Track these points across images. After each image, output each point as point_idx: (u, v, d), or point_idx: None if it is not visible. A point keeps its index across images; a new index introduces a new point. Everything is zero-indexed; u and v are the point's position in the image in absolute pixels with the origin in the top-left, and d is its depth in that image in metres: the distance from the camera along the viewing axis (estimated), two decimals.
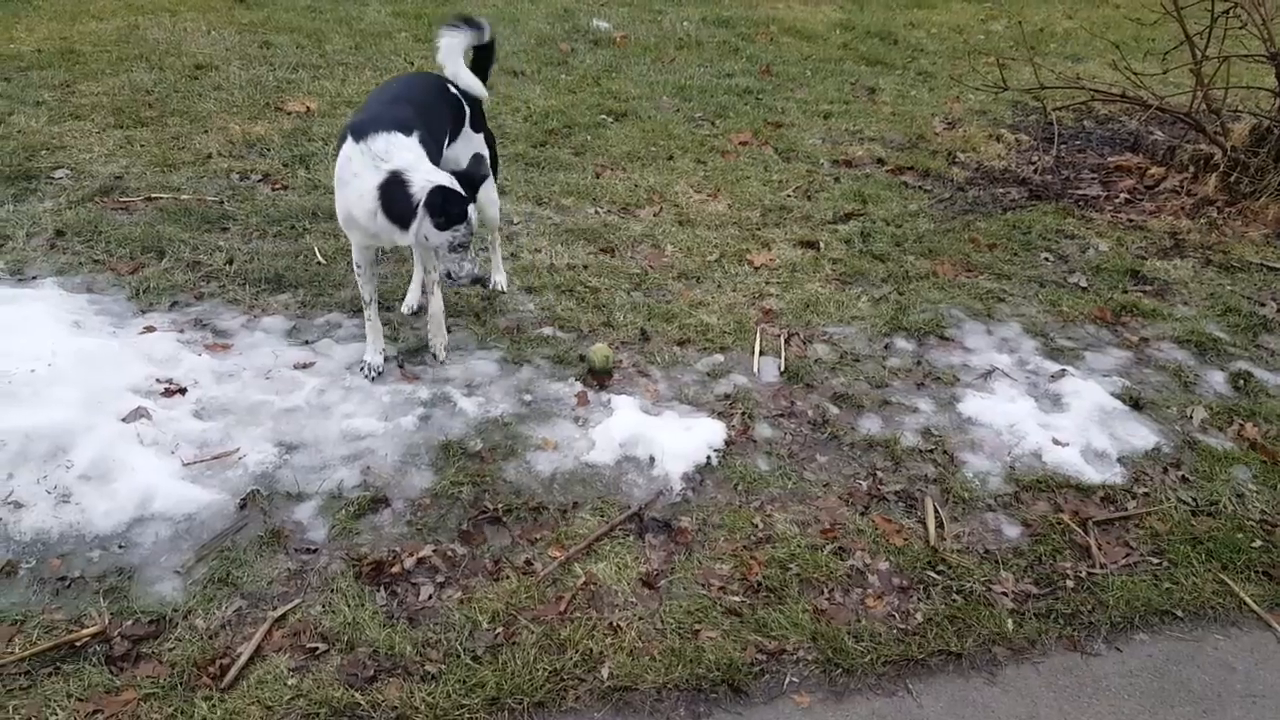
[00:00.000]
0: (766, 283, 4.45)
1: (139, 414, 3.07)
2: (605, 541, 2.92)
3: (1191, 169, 5.74)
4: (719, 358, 3.86)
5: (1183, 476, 3.39)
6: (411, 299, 4.03)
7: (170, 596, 2.58)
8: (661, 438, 3.31)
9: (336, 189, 3.30)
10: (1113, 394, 3.76)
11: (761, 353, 3.90)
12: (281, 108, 5.97)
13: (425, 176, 3.07)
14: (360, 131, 3.17)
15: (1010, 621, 2.76)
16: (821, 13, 9.77)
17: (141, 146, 5.26)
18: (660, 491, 3.14)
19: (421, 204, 3.04)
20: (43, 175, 4.82)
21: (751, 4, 9.94)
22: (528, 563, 2.82)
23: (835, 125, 6.58)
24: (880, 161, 6.00)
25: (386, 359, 3.63)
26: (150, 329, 3.63)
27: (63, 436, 2.90)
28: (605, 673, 2.49)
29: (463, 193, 3.11)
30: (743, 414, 3.52)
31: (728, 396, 3.62)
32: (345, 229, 3.41)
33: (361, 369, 3.56)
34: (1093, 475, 3.35)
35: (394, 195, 3.07)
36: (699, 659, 2.54)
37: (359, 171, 3.14)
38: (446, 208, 3.07)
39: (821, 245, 4.83)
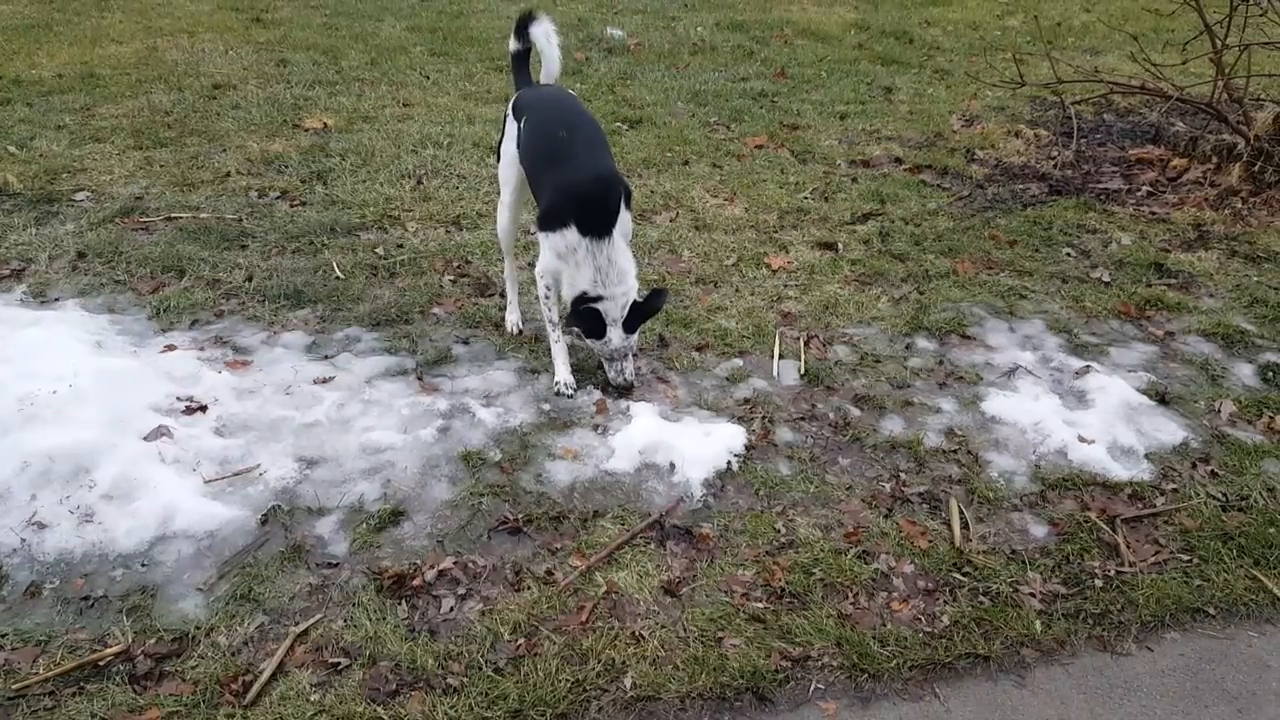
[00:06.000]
0: (785, 285, 4.42)
1: (160, 432, 3.10)
2: (626, 550, 2.90)
3: (1214, 160, 5.65)
4: (738, 362, 3.83)
5: (1212, 471, 3.32)
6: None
7: (193, 614, 2.59)
8: (681, 444, 3.28)
9: (553, 257, 3.47)
10: (1139, 389, 3.70)
11: (781, 356, 3.87)
12: (299, 125, 6.03)
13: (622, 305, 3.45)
14: (592, 229, 3.33)
15: (1038, 622, 2.71)
16: (836, 14, 9.74)
17: (161, 167, 5.33)
18: (681, 498, 3.12)
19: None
20: (64, 198, 4.89)
21: (765, 7, 9.93)
22: (549, 572, 2.80)
23: (852, 126, 6.54)
24: (898, 161, 5.95)
25: (405, 371, 3.65)
26: (171, 347, 3.66)
27: (85, 456, 2.92)
28: (628, 683, 2.47)
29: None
30: (763, 418, 3.49)
31: (747, 401, 3.60)
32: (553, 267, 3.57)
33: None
34: (1120, 472, 3.30)
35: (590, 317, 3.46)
36: (723, 667, 2.51)
37: (581, 263, 3.38)
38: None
39: (840, 246, 4.80)
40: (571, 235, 3.35)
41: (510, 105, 3.78)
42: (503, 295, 4.09)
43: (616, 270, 3.40)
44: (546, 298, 3.62)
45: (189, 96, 6.44)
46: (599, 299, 3.41)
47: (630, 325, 3.50)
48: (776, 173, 5.69)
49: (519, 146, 3.65)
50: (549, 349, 3.70)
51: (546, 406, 3.51)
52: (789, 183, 5.56)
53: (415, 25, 8.66)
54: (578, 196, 3.35)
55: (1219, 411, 3.62)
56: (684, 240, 4.81)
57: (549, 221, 3.41)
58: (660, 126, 6.33)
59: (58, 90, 6.40)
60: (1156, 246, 4.87)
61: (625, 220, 3.48)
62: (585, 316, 3.43)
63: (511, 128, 3.71)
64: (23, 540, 2.74)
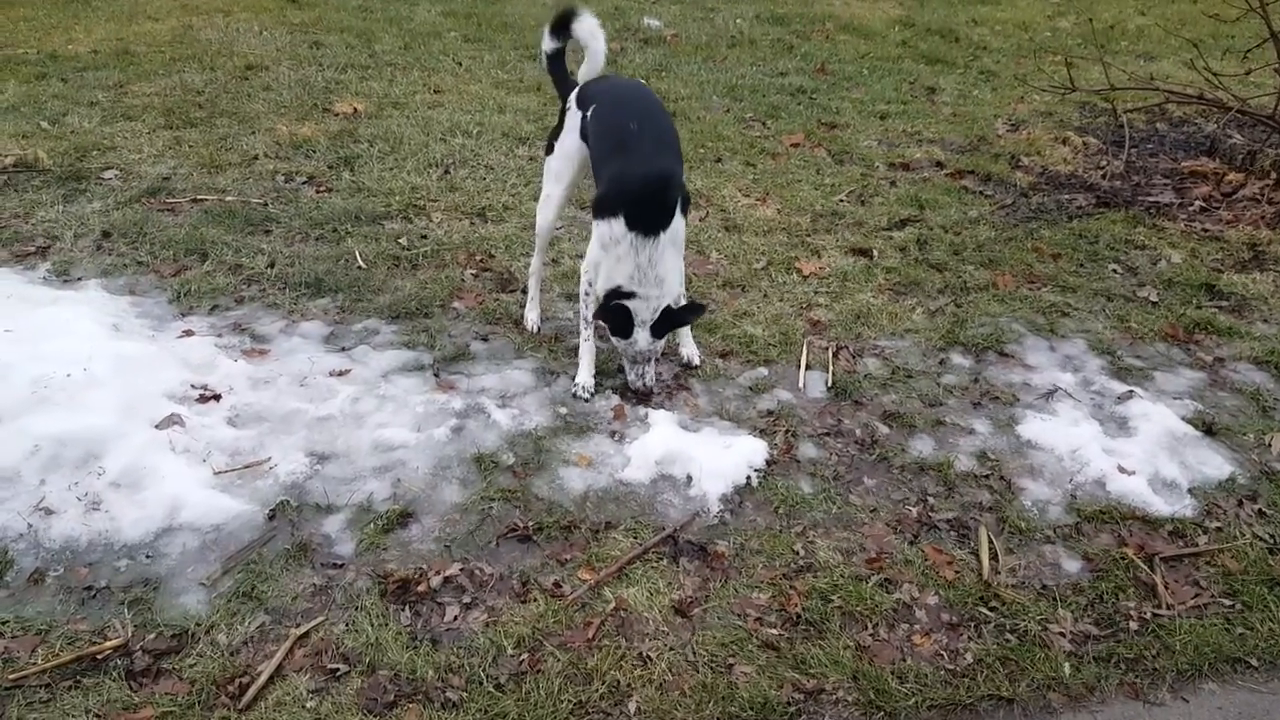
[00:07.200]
0: (815, 292, 4.29)
1: (172, 420, 3.05)
2: (637, 565, 2.81)
3: (1273, 175, 5.42)
4: (763, 371, 3.72)
5: (1259, 510, 3.16)
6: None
7: (194, 610, 2.54)
8: (700, 456, 3.18)
9: (598, 246, 3.40)
10: (1184, 418, 3.53)
11: (808, 367, 3.75)
12: (329, 109, 5.98)
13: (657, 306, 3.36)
14: (640, 225, 3.24)
15: (1067, 665, 2.58)
16: (880, 9, 9.53)
17: (190, 147, 5.30)
18: (697, 513, 3.02)
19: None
20: (93, 176, 4.88)
21: (807, 0, 9.74)
22: (556, 585, 2.72)
23: (892, 126, 6.37)
24: (939, 165, 5.79)
25: (422, 367, 3.59)
26: (189, 333, 3.62)
27: (96, 442, 2.88)
28: (632, 707, 2.38)
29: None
30: (786, 432, 3.38)
31: (771, 413, 3.48)
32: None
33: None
34: (1161, 507, 3.14)
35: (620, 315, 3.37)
36: (731, 696, 2.42)
37: (622, 257, 3.29)
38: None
39: (875, 253, 4.66)
40: (618, 226, 3.26)
41: (574, 96, 3.62)
42: (524, 291, 4.00)
43: (655, 273, 3.30)
44: (587, 294, 3.53)
45: (221, 76, 6.42)
46: (631, 295, 3.31)
47: (659, 330, 3.39)
48: (812, 173, 5.55)
49: (585, 135, 3.52)
50: (575, 348, 3.60)
51: (563, 410, 3.43)
52: (824, 184, 5.41)
53: (450, 10, 8.58)
54: (632, 190, 3.26)
55: (1269, 446, 3.44)
56: (713, 241, 4.69)
57: (600, 209, 3.35)
58: (694, 121, 6.21)
59: (92, 66, 6.40)
60: (1208, 266, 4.67)
61: (679, 226, 3.37)
62: (615, 313, 3.34)
63: (574, 119, 3.57)
64: (29, 525, 2.71)
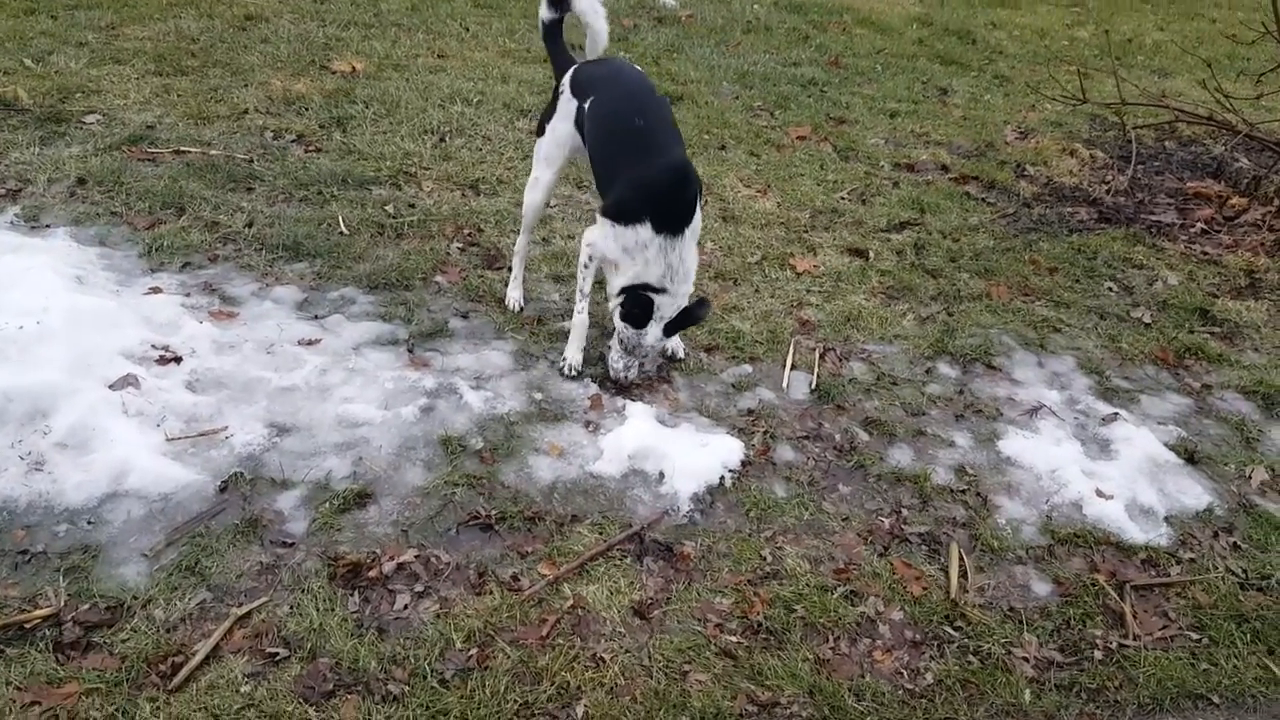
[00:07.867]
0: (808, 291, 4.20)
1: (127, 381, 2.94)
2: (600, 561, 2.73)
3: (1277, 202, 5.33)
4: (747, 368, 3.63)
5: (1234, 543, 3.10)
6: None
7: (133, 581, 2.45)
8: (674, 452, 3.10)
9: (617, 248, 3.27)
10: (1166, 444, 3.46)
11: (793, 367, 3.67)
12: (327, 66, 5.82)
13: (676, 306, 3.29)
14: (667, 226, 3.15)
15: (1028, 692, 2.52)
16: (900, 5, 9.38)
17: (178, 96, 5.15)
18: (666, 511, 2.94)
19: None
20: (74, 119, 4.73)
21: None
22: (514, 578, 2.64)
23: (901, 126, 6.25)
24: (944, 168, 5.68)
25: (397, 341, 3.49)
26: (156, 290, 3.50)
27: (44, 399, 2.77)
28: (580, 711, 2.31)
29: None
30: (765, 433, 3.30)
31: (751, 412, 3.40)
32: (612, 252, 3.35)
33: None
34: (1136, 534, 3.08)
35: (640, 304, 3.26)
36: (683, 705, 2.35)
37: (652, 260, 3.20)
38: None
39: (871, 254, 4.56)
40: (644, 232, 3.16)
41: (568, 80, 3.47)
42: (510, 270, 3.90)
43: (685, 269, 3.24)
44: (586, 266, 3.42)
45: (219, 25, 6.25)
46: (662, 291, 3.22)
47: (671, 328, 3.31)
48: (815, 168, 5.43)
49: (582, 130, 3.40)
50: (557, 331, 3.49)
51: (539, 395, 3.33)
52: (827, 180, 5.30)
53: None
54: (657, 192, 3.16)
55: (1249, 478, 3.38)
56: (708, 231, 4.57)
57: (621, 216, 3.22)
58: (701, 106, 6.08)
59: (84, 5, 6.21)
60: (1204, 290, 4.59)
61: (698, 219, 3.28)
62: (638, 302, 3.23)
63: (568, 106, 3.44)
64: None
